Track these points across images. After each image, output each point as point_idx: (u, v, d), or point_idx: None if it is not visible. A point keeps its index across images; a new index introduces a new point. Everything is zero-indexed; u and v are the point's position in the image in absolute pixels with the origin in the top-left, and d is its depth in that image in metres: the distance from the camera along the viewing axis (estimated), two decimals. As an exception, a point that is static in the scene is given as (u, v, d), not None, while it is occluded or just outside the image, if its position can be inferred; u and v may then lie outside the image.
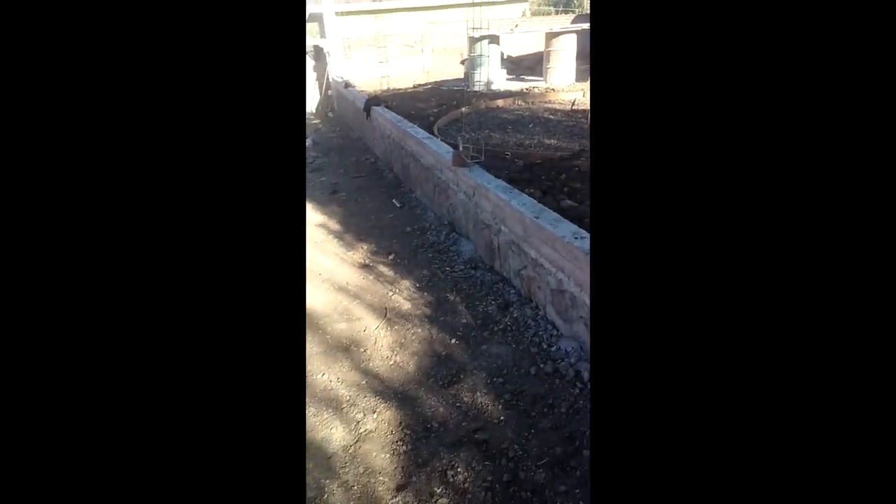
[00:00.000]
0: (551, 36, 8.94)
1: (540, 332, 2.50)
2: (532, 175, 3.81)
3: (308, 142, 7.43)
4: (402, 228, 3.99)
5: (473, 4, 4.49)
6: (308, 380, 2.33)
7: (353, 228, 4.06)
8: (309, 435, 2.02)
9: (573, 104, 7.17)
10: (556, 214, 2.59)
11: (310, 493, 1.76)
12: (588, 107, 6.81)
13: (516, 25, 13.75)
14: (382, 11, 10.90)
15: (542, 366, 2.27)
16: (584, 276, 2.16)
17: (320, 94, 10.59)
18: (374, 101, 6.12)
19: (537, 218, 2.54)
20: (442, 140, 4.39)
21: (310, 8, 13.39)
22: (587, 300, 2.16)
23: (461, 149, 3.49)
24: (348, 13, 11.58)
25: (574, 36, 8.90)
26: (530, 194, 2.98)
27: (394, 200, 4.63)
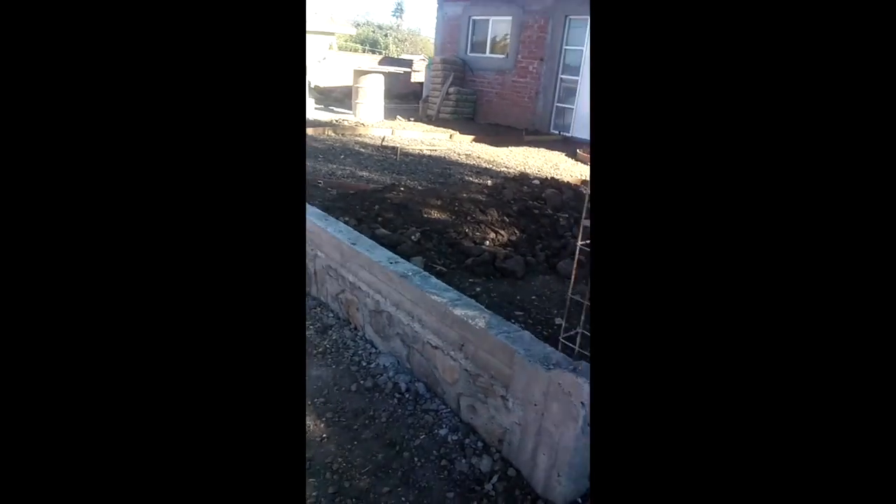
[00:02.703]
0: (360, 73, 9.35)
1: (359, 352, 2.64)
2: (346, 204, 3.98)
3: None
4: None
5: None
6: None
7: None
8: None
9: (383, 140, 7.59)
10: (371, 241, 2.80)
11: None
12: (396, 144, 7.29)
13: (324, 58, 13.96)
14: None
15: (362, 382, 2.42)
16: (399, 296, 2.39)
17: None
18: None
19: (354, 244, 2.72)
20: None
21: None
22: (402, 318, 2.39)
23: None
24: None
25: (381, 76, 9.46)
26: (345, 222, 3.15)
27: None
